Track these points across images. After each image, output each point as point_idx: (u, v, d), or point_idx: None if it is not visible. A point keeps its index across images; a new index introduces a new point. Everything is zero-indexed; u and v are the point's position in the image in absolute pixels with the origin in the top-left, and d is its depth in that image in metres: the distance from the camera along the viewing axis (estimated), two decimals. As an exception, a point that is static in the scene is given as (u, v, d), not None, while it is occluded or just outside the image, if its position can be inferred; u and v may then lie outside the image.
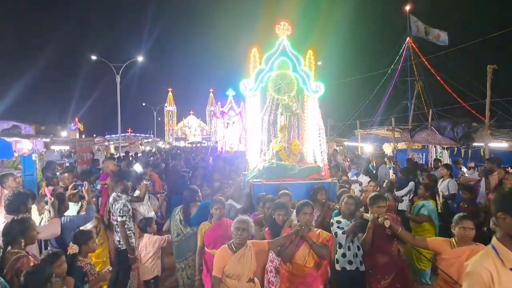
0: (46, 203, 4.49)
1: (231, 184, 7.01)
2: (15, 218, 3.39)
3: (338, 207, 4.83)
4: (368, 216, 4.09)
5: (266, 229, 4.23)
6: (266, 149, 6.98)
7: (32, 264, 3.17)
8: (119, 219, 4.92)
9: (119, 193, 5.12)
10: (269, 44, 6.74)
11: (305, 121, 7.00)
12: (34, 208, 4.41)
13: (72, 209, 4.94)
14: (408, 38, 20.97)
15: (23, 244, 3.27)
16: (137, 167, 7.53)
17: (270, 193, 5.19)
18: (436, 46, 19.79)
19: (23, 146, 7.26)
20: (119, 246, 5.00)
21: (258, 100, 6.70)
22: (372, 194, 4.48)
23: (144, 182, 5.89)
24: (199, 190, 5.42)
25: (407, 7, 21.15)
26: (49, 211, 4.29)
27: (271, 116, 7.00)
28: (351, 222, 4.32)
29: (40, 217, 4.37)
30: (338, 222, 4.42)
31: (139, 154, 18.22)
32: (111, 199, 5.16)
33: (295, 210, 4.08)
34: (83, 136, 32.29)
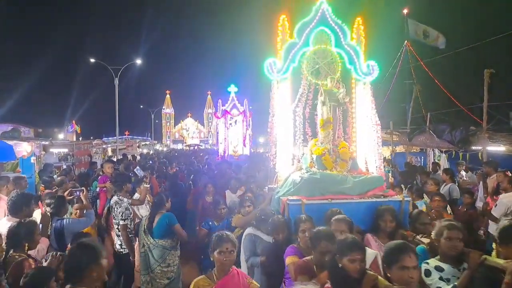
0: (48, 205, 4.47)
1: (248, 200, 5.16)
2: (22, 221, 3.40)
3: (427, 241, 3.19)
4: (497, 262, 2.48)
5: (326, 285, 2.51)
6: (300, 153, 5.28)
7: (33, 267, 3.16)
8: (121, 222, 4.87)
9: (120, 197, 5.08)
10: (303, 10, 5.07)
11: (354, 114, 5.33)
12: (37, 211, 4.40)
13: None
14: (405, 42, 21.07)
15: (26, 248, 3.26)
16: (138, 171, 7.54)
17: (314, 217, 3.69)
18: (434, 49, 19.90)
19: (23, 149, 7.23)
20: (121, 250, 4.95)
21: (289, 87, 5.09)
22: (504, 222, 2.90)
23: (145, 185, 5.87)
24: (166, 198, 4.76)
25: (405, 11, 21.27)
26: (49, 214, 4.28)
27: (307, 108, 5.31)
28: (459, 270, 2.71)
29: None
30: (439, 269, 2.75)
31: (138, 157, 18.04)
32: (112, 202, 5.12)
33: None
34: (80, 139, 32.20)
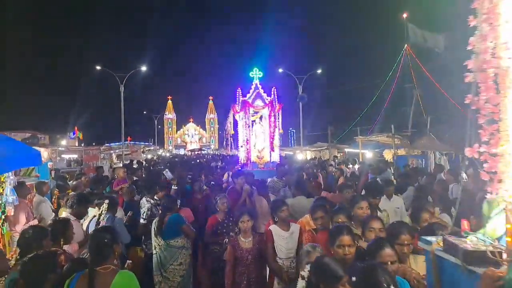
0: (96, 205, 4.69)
1: None
2: (57, 218, 3.68)
3: None
4: None
5: None
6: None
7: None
8: (141, 221, 5.15)
9: (148, 198, 5.37)
10: None
11: None
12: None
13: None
14: (406, 45, 21.40)
15: (62, 243, 3.54)
16: (167, 173, 7.85)
17: None
18: (434, 51, 20.17)
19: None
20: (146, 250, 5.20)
21: None
22: None
23: (174, 187, 6.11)
24: (175, 200, 4.81)
25: (404, 15, 21.60)
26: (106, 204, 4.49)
27: None
28: None
29: (99, 211, 4.51)
30: None
31: (144, 163, 18.20)
32: (141, 203, 5.42)
33: None
34: (82, 145, 32.55)
